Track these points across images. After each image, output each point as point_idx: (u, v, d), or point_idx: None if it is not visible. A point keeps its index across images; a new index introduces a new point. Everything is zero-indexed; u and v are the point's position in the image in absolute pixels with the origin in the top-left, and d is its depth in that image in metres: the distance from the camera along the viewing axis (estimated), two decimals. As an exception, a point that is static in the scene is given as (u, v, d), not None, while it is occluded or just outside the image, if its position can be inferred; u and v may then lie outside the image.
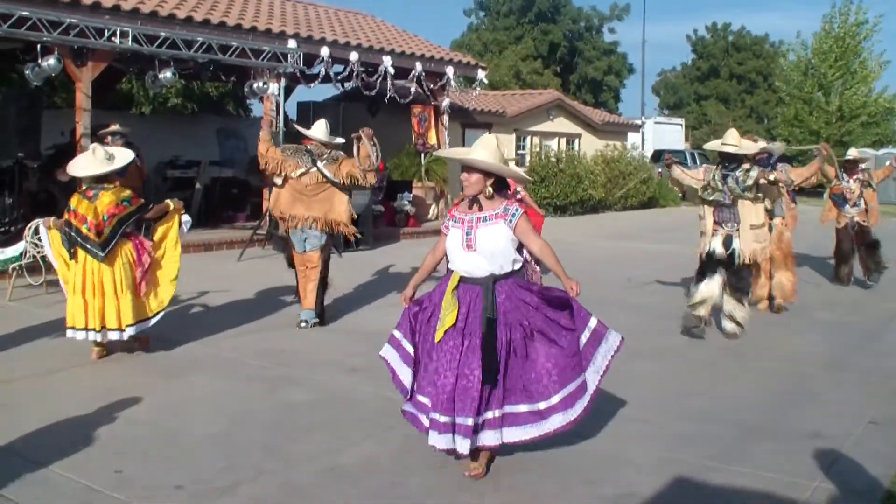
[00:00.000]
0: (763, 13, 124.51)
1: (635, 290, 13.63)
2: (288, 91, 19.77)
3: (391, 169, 23.49)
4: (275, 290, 12.60)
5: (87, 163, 8.78)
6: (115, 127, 16.94)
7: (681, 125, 49.55)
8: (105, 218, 8.56)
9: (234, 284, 13.14)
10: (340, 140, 11.08)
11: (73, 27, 14.70)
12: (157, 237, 9.06)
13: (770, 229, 11.26)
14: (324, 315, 10.73)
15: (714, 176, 10.04)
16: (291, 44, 18.50)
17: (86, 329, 8.55)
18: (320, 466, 5.86)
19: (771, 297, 12.18)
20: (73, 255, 8.60)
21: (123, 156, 8.89)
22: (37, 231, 10.76)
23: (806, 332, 10.99)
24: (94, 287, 8.55)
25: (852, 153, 14.71)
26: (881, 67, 45.12)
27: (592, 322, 5.66)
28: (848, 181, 14.40)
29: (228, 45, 17.08)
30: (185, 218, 9.30)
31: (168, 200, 9.30)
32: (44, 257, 11.16)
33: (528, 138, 31.84)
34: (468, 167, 5.64)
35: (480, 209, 5.70)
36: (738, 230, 10.03)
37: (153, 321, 8.94)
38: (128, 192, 8.91)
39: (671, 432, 6.70)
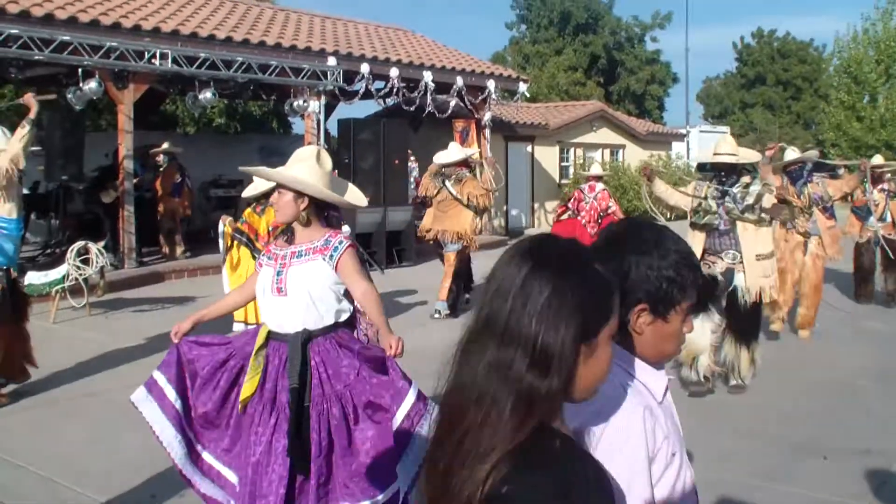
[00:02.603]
0: (808, 17, 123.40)
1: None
2: (329, 108, 19.77)
3: (434, 184, 23.44)
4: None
5: (256, 182, 9.47)
6: (165, 146, 17.16)
7: (726, 133, 49.10)
8: (269, 230, 9.24)
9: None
10: (465, 153, 13.03)
11: (114, 50, 14.83)
12: None
13: (804, 249, 10.62)
14: (455, 307, 12.44)
15: (707, 194, 8.19)
16: (331, 61, 18.54)
17: (244, 322, 9.10)
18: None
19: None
20: (229, 250, 9.42)
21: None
22: (79, 253, 11.00)
23: (853, 342, 10.77)
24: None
25: (878, 159, 13.54)
26: None
27: (411, 396, 4.42)
28: (872, 192, 12.59)
29: (268, 65, 17.15)
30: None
31: None
32: (86, 279, 11.36)
33: (572, 150, 31.64)
34: (280, 186, 4.56)
35: (294, 242, 4.59)
36: (741, 262, 8.13)
37: None
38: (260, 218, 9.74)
39: (714, 449, 6.55)
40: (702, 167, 8.29)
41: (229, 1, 22.46)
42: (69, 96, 14.64)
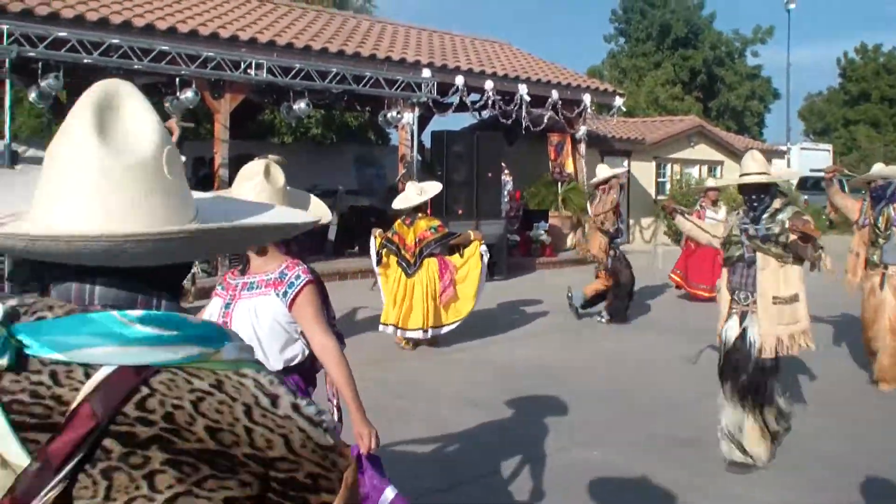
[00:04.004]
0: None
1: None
2: (423, 120, 19.76)
3: (527, 198, 23.30)
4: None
5: (405, 197, 10.85)
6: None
7: (828, 151, 48.07)
8: (416, 241, 10.69)
9: (362, 313, 13.08)
10: (608, 174, 13.16)
11: (211, 60, 15.00)
12: (461, 260, 10.98)
13: (882, 284, 9.05)
14: (614, 315, 12.99)
15: (735, 223, 6.90)
16: (426, 73, 18.53)
17: (393, 325, 10.76)
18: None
19: None
20: (379, 262, 11.02)
21: (432, 189, 11.08)
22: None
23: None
24: (404, 294, 10.66)
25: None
26: None
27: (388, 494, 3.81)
28: None
29: (362, 76, 17.19)
30: (483, 248, 11.03)
31: (470, 231, 11.46)
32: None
33: (669, 165, 31.24)
34: None
35: (248, 272, 3.98)
36: (754, 303, 6.66)
37: (447, 328, 10.90)
38: (436, 221, 11.12)
39: (803, 477, 6.29)
40: (746, 190, 6.82)
41: (326, 13, 22.70)
42: (167, 105, 14.83)
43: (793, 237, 6.27)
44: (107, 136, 1.38)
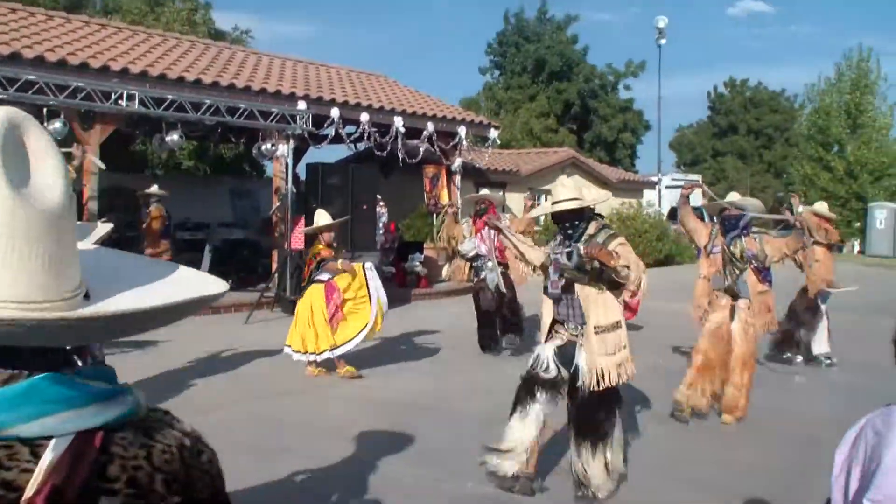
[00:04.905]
0: (781, 67, 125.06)
1: (648, 351, 13.30)
2: (298, 152, 19.65)
3: (403, 230, 23.36)
4: (279, 356, 12.33)
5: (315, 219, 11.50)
6: (153, 189, 16.95)
7: (698, 181, 49.38)
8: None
9: (238, 348, 12.92)
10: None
11: (80, 90, 14.68)
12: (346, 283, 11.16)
13: (731, 315, 8.91)
14: (481, 345, 13.20)
15: (553, 249, 6.66)
16: (301, 105, 18.45)
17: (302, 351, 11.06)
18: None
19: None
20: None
21: (323, 218, 11.41)
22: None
23: (817, 392, 10.69)
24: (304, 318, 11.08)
25: (820, 207, 13.33)
26: (891, 112, 45.39)
27: None
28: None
29: (236, 108, 17.01)
30: (368, 264, 11.60)
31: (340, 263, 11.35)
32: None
33: (543, 196, 31.64)
34: None
35: None
36: (582, 334, 6.48)
37: (337, 351, 11.00)
38: (317, 248, 11.28)
39: (673, 502, 6.43)
40: (559, 219, 6.60)
41: (201, 43, 22.49)
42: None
43: (590, 259, 6.06)
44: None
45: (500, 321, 13.10)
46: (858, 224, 42.66)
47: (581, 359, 6.38)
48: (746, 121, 69.78)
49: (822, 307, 12.78)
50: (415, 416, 9.13)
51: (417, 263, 21.74)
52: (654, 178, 40.49)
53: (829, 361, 12.63)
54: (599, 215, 6.77)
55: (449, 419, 9.01)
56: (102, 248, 1.57)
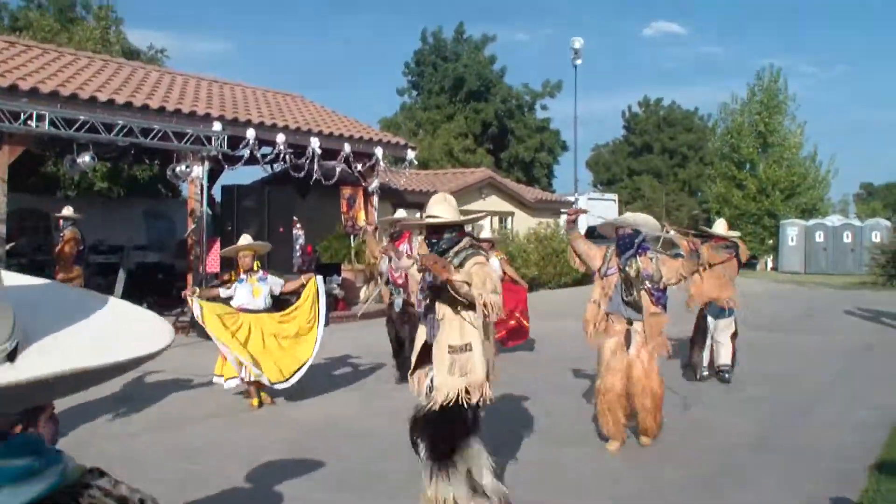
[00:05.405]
0: (694, 87, 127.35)
1: (565, 371, 13.36)
2: (214, 174, 19.45)
3: (320, 252, 23.22)
4: (194, 381, 12.17)
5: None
6: (67, 212, 16.50)
7: (614, 200, 49.85)
8: None
9: (151, 373, 12.69)
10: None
11: (-13, 111, 14.37)
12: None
13: (627, 342, 8.69)
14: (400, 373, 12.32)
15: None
16: (216, 126, 18.26)
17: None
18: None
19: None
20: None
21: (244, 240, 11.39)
22: None
23: (735, 408, 10.81)
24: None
25: (719, 226, 13.26)
26: (801, 131, 46.41)
27: None
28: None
29: (150, 128, 16.77)
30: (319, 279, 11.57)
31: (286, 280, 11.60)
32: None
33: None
34: None
35: None
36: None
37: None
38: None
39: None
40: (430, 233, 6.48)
41: (114, 62, 22.16)
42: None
43: (443, 278, 5.86)
44: None
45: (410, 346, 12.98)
46: (771, 241, 43.49)
47: (434, 377, 6.24)
48: (661, 140, 70.83)
49: (711, 324, 12.83)
50: (332, 440, 9.07)
51: (335, 286, 21.60)
52: (571, 198, 40.82)
53: (725, 375, 12.68)
54: (472, 236, 6.64)
55: (370, 443, 8.94)
56: (12, 274, 1.41)
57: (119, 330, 1.29)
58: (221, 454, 8.60)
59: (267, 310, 10.97)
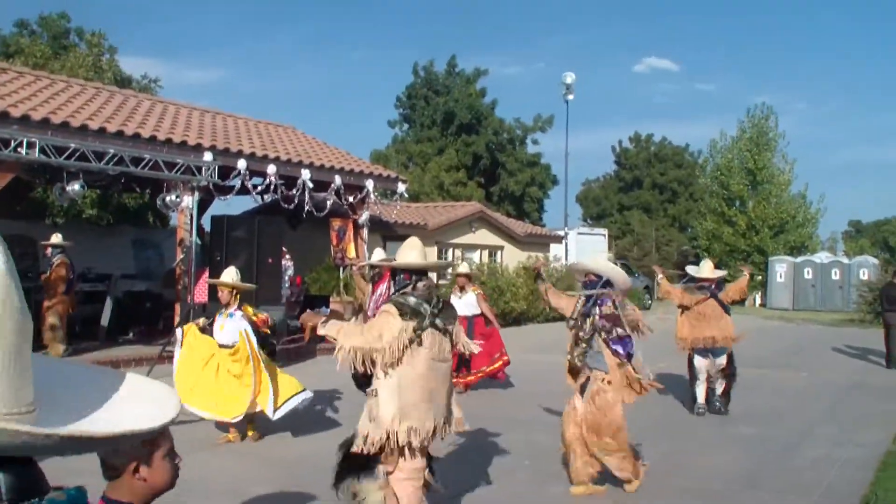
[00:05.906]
0: (685, 123, 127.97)
1: (552, 406, 13.28)
2: (204, 204, 19.41)
3: (309, 283, 23.18)
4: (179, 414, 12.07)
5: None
6: (55, 240, 16.43)
7: (604, 235, 49.93)
8: None
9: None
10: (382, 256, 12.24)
11: (-24, 138, 14.34)
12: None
13: (581, 390, 8.52)
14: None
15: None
16: (207, 156, 18.23)
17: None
18: None
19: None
20: None
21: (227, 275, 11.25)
22: None
23: (723, 446, 10.81)
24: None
25: (705, 267, 13.47)
26: (790, 169, 46.76)
27: None
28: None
29: (141, 157, 16.72)
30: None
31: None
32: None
33: (451, 250, 31.78)
34: None
35: None
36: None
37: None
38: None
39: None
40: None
41: (106, 90, 22.17)
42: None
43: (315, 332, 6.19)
44: None
45: None
46: (760, 277, 43.65)
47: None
48: (651, 175, 71.10)
49: (697, 363, 13.13)
50: (314, 474, 8.99)
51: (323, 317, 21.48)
52: (561, 232, 40.87)
53: (716, 404, 13.07)
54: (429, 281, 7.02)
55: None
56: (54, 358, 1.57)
57: (130, 404, 1.50)
58: (203, 488, 8.54)
59: (233, 345, 10.85)
